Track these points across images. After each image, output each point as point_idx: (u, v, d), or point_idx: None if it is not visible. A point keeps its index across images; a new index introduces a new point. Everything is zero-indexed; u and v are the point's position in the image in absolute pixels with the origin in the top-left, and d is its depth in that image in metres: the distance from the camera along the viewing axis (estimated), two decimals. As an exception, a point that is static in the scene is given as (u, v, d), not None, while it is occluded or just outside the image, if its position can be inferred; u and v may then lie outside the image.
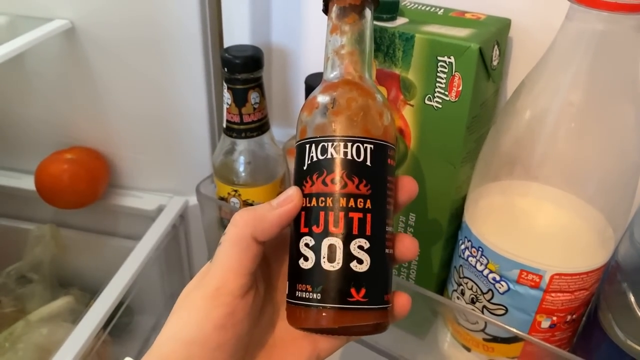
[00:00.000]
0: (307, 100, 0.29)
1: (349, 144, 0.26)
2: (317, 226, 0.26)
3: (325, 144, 0.26)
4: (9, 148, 0.69)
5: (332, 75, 0.29)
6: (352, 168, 0.26)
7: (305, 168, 0.27)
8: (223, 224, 0.52)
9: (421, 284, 0.44)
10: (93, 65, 0.59)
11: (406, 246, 0.28)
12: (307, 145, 0.27)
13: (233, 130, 0.47)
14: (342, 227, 0.26)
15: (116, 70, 0.59)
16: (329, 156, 0.26)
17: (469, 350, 0.41)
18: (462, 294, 0.40)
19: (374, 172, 0.26)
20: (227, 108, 0.46)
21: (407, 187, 0.29)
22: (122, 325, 0.66)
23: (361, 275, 0.25)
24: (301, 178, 0.27)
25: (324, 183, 0.26)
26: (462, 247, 0.40)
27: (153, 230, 0.62)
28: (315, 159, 0.27)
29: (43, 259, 0.68)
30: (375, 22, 0.37)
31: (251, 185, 0.49)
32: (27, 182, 0.66)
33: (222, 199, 0.50)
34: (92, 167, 0.64)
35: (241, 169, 0.49)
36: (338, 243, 0.25)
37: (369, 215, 0.26)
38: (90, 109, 0.63)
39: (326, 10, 0.30)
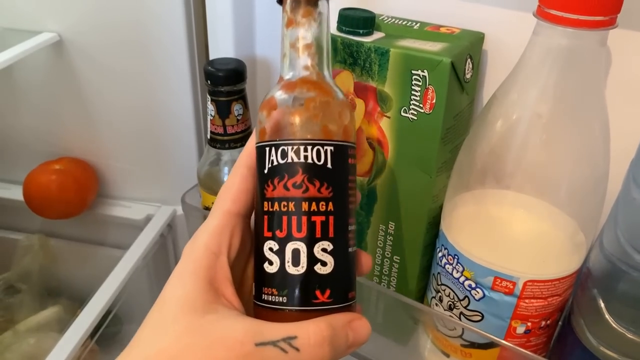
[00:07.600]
0: (265, 100, 0.28)
1: (309, 147, 0.26)
2: (281, 231, 0.26)
3: (285, 148, 0.26)
4: (-3, 159, 0.70)
5: (289, 73, 0.28)
6: (313, 171, 0.26)
7: (266, 172, 0.27)
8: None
9: (401, 292, 0.45)
10: (81, 77, 0.60)
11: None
12: (267, 149, 0.27)
13: (217, 142, 0.48)
14: (305, 231, 0.25)
15: (104, 81, 0.60)
16: (289, 160, 0.26)
17: (447, 356, 0.42)
18: (440, 300, 0.41)
19: (335, 174, 0.26)
20: (210, 119, 0.47)
21: (365, 265, 0.29)
22: (110, 334, 0.66)
23: (326, 277, 0.26)
24: (263, 182, 0.27)
25: (286, 187, 0.26)
26: (440, 254, 0.40)
27: (141, 240, 0.62)
28: (275, 162, 0.26)
29: (31, 269, 0.68)
30: (352, 37, 0.38)
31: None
32: (16, 193, 0.66)
33: (207, 208, 0.51)
34: (80, 178, 0.65)
35: (225, 179, 0.49)
36: (302, 247, 0.25)
37: (331, 218, 0.26)
38: (78, 120, 0.64)
39: (281, 2, 0.28)
